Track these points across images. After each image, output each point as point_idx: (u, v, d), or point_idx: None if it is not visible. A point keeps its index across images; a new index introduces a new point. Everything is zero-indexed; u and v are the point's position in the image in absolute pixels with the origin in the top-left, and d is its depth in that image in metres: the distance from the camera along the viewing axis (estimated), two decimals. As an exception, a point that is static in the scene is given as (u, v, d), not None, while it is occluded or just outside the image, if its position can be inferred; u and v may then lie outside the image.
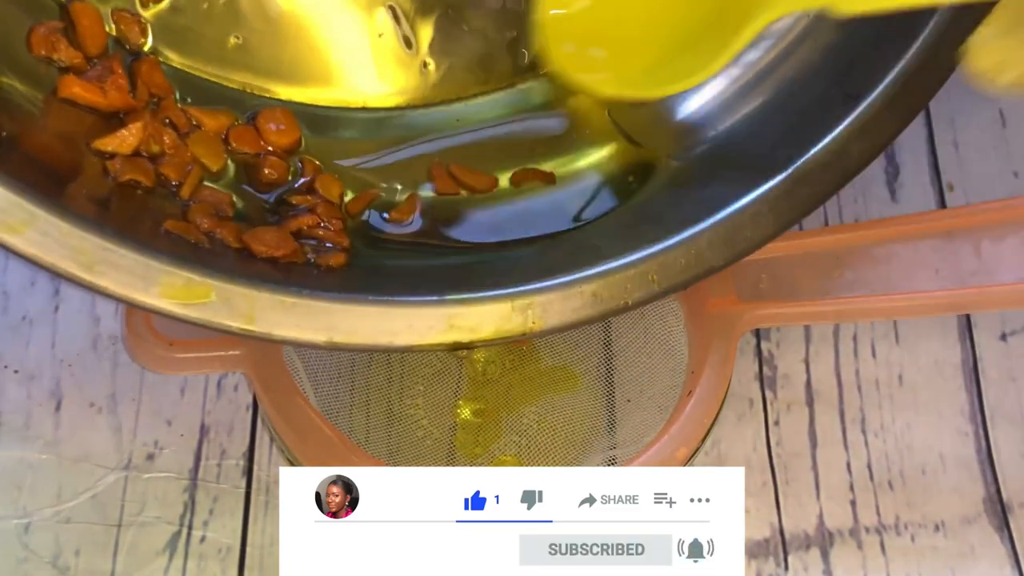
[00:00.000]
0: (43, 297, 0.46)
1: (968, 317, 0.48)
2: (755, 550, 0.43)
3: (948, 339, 0.48)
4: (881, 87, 0.37)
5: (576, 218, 0.41)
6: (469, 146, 0.43)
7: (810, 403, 0.46)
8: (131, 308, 0.40)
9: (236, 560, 0.42)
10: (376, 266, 0.38)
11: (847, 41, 0.40)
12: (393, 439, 0.44)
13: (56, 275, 0.31)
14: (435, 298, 0.35)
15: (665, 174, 0.42)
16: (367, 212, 0.40)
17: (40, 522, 0.42)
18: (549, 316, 0.35)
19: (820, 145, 0.37)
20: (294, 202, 0.39)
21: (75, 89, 0.36)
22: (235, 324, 0.32)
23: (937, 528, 0.44)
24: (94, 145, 0.36)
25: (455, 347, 0.35)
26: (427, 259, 0.40)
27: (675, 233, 0.37)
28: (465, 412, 0.45)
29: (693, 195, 0.39)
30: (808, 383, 0.47)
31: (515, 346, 0.46)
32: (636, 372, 0.45)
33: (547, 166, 0.42)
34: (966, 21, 0.33)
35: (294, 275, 0.36)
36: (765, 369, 0.47)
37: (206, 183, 0.38)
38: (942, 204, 0.50)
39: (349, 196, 0.40)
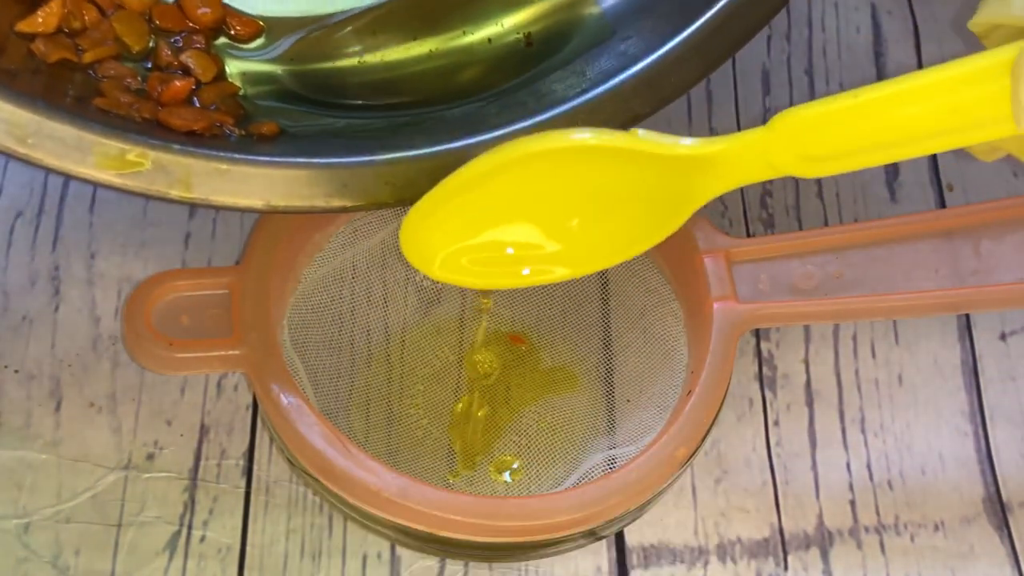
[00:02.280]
0: (43, 297, 0.46)
1: (968, 317, 0.48)
2: (755, 550, 0.43)
3: (948, 339, 0.48)
4: None
5: (504, 79, 0.41)
6: (386, 10, 0.43)
7: (810, 403, 0.46)
8: (131, 308, 0.40)
9: (236, 560, 0.42)
10: (308, 133, 0.39)
11: None
12: (393, 439, 0.44)
13: None
14: (367, 159, 0.35)
15: (587, 33, 0.42)
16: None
17: (40, 522, 0.42)
18: None
19: None
20: (163, 65, 0.39)
21: None
22: (173, 192, 0.33)
23: (937, 528, 0.44)
24: (16, 28, 0.36)
25: (390, 204, 0.36)
26: (355, 119, 0.40)
27: (600, 83, 0.37)
28: (465, 412, 0.45)
29: (615, 49, 0.40)
30: (808, 383, 0.47)
31: (515, 345, 0.46)
32: (636, 372, 0.45)
33: (475, 30, 0.43)
34: None
35: (228, 144, 0.36)
36: (765, 369, 0.47)
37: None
38: (942, 204, 0.50)
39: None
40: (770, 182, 0.50)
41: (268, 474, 0.43)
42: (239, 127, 0.37)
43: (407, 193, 0.35)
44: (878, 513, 0.44)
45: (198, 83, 0.38)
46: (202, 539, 0.42)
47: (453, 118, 0.39)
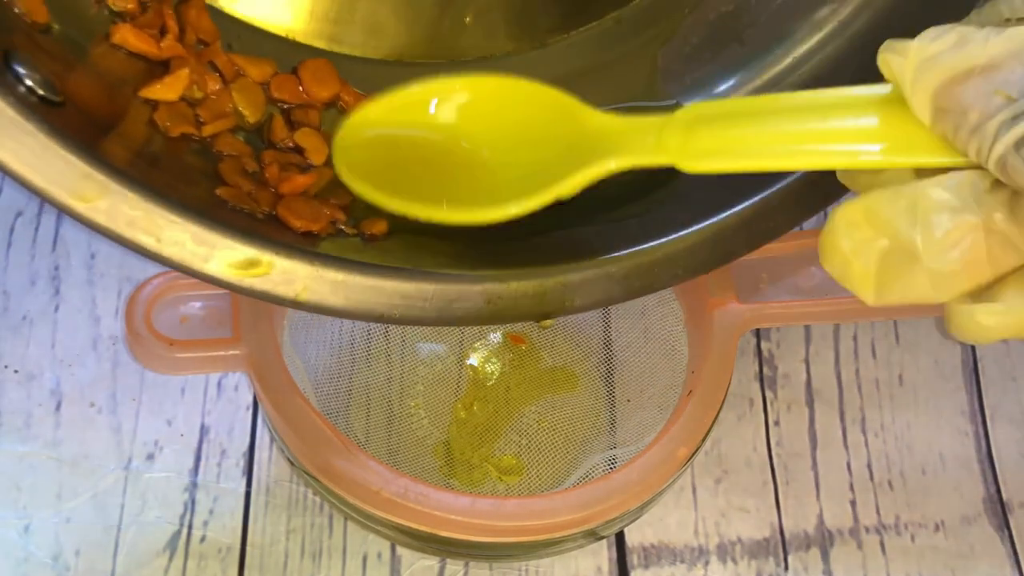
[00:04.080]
0: (43, 297, 0.46)
1: (968, 317, 0.48)
2: (755, 550, 0.43)
3: (948, 339, 0.48)
4: None
5: (607, 198, 0.41)
6: None
7: (810, 403, 0.46)
8: (131, 308, 0.40)
9: (236, 560, 0.42)
10: (416, 237, 0.38)
11: (877, 33, 0.40)
12: (393, 439, 0.44)
13: (121, 244, 0.32)
14: (474, 275, 0.36)
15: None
16: None
17: (40, 522, 0.42)
18: (582, 296, 0.36)
19: None
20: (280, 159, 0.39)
21: (129, 38, 0.36)
22: (287, 295, 0.34)
23: (937, 528, 0.44)
24: (141, 93, 0.36)
25: (493, 322, 0.37)
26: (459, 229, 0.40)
27: (702, 219, 0.37)
28: (465, 412, 0.45)
29: (721, 180, 0.40)
30: (808, 383, 0.47)
31: (515, 345, 0.46)
32: (636, 372, 0.45)
33: None
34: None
35: (340, 246, 0.36)
36: (765, 369, 0.47)
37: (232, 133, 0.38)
38: (942, 204, 0.50)
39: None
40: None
41: (268, 474, 0.43)
42: (350, 222, 0.37)
43: (508, 313, 0.36)
44: (878, 513, 0.44)
45: (309, 166, 0.38)
46: (202, 539, 0.42)
47: (557, 239, 0.39)
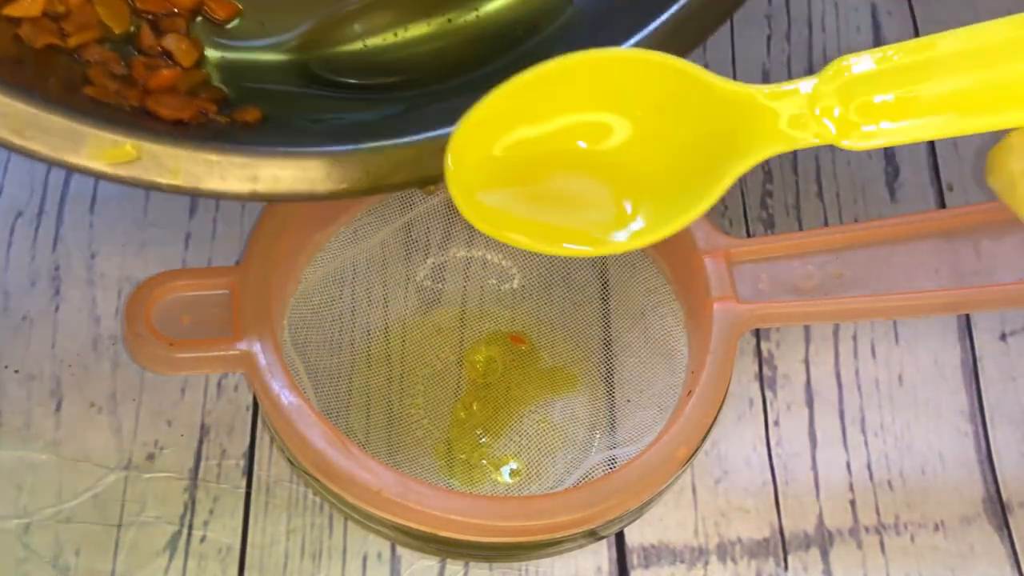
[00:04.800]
0: (43, 297, 0.46)
1: (968, 317, 0.48)
2: (755, 550, 0.43)
3: (948, 339, 0.48)
4: None
5: (473, 66, 0.42)
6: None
7: (810, 403, 0.46)
8: (131, 308, 0.40)
9: (236, 560, 0.42)
10: (290, 122, 0.39)
11: None
12: (393, 439, 0.44)
13: None
14: (351, 147, 0.36)
15: (561, 20, 0.43)
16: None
17: (40, 522, 0.42)
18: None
19: None
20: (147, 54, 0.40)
21: None
22: (163, 180, 0.34)
23: (937, 528, 0.44)
24: (3, 12, 0.37)
25: (372, 192, 0.37)
26: (335, 113, 0.41)
27: None
28: (465, 412, 0.45)
29: (587, 37, 0.40)
30: (808, 383, 0.47)
31: (515, 345, 0.46)
32: (636, 372, 0.45)
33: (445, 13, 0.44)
34: None
35: (214, 133, 0.37)
36: (765, 369, 0.47)
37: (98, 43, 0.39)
38: (942, 204, 0.50)
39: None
40: (770, 181, 0.50)
41: (268, 474, 0.43)
42: (222, 113, 0.38)
43: (388, 181, 0.36)
44: (878, 513, 0.44)
45: (177, 67, 0.39)
46: (202, 539, 0.42)
47: (431, 111, 0.39)
